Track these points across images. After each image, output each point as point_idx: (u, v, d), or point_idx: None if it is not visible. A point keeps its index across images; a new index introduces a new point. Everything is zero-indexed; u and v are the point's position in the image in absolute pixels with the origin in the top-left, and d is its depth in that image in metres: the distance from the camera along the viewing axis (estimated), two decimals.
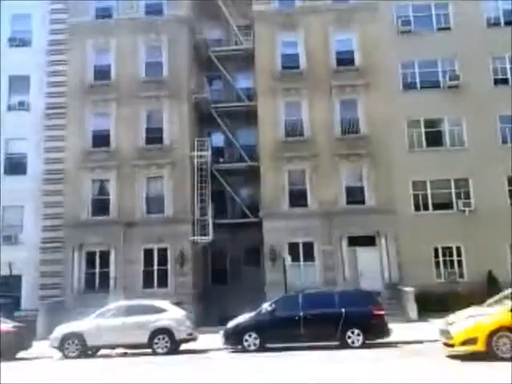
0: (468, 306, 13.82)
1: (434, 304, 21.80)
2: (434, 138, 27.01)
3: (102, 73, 28.66)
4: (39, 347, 17.78)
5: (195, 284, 26.48)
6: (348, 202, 26.44)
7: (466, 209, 25.74)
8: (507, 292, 13.15)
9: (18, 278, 26.44)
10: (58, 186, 27.50)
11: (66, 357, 16.48)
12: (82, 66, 28.61)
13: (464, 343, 11.63)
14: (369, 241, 26.03)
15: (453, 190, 26.28)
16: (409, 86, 27.60)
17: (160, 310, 16.99)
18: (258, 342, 15.91)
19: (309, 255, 26.07)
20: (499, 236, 24.45)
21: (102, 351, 17.34)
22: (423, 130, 27.08)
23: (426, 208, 26.29)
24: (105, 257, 26.42)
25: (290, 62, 28.34)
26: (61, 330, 17.05)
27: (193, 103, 28.93)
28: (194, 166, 27.68)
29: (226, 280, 28.80)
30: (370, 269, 25.38)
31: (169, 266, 26.34)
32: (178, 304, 18.13)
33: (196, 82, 29.97)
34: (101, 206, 27.16)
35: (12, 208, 27.52)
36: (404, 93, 27.42)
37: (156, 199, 27.23)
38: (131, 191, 27.11)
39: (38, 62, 29.06)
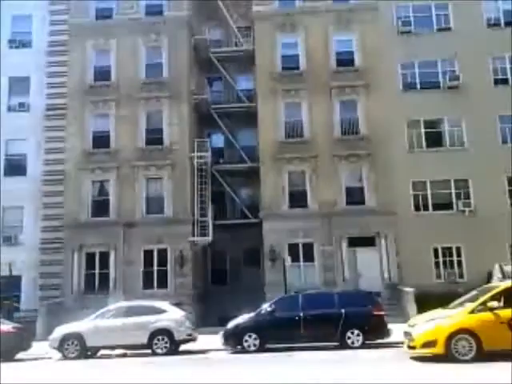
0: None
1: (433, 304, 21.72)
2: (434, 139, 27.00)
3: (102, 74, 28.67)
4: (39, 348, 17.76)
5: (195, 284, 26.47)
6: (348, 203, 26.43)
7: (466, 209, 25.73)
8: (470, 295, 13.09)
9: (18, 279, 26.44)
10: (57, 186, 27.50)
11: (65, 357, 16.46)
12: (82, 66, 28.63)
13: (424, 346, 11.73)
14: (368, 241, 26.01)
15: (453, 191, 26.27)
16: (409, 86, 27.59)
17: (160, 311, 16.99)
18: (257, 342, 15.90)
19: (308, 256, 26.05)
20: (499, 236, 24.42)
21: (102, 352, 17.32)
22: (423, 130, 27.08)
23: (425, 208, 26.28)
24: (104, 257, 26.42)
25: (289, 63, 28.35)
26: (60, 330, 17.03)
27: (193, 104, 28.94)
28: (194, 166, 27.68)
29: (225, 280, 28.80)
30: (369, 269, 25.38)
31: (168, 267, 26.33)
32: (178, 305, 18.15)
33: (196, 82, 29.98)
34: (101, 206, 27.16)
35: (12, 209, 27.51)
36: (404, 93, 27.42)
37: (156, 200, 27.24)
38: (131, 192, 27.11)
39: (38, 63, 29.05)
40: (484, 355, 11.21)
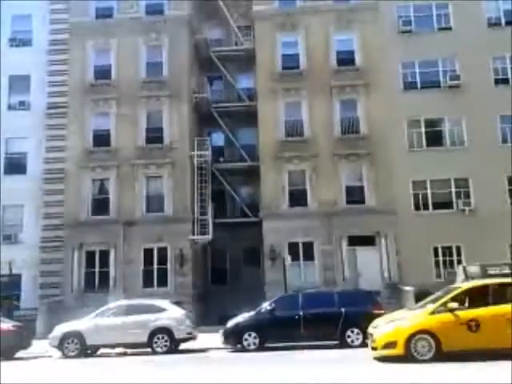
0: None
1: None
2: (434, 138, 27.01)
3: (102, 72, 28.68)
4: (39, 346, 17.78)
5: (195, 283, 26.49)
6: (348, 202, 26.45)
7: (466, 208, 25.75)
8: (435, 295, 13.09)
9: (18, 277, 26.46)
10: (58, 185, 27.50)
11: (65, 356, 16.48)
12: (82, 65, 28.64)
13: (385, 347, 11.85)
14: (368, 240, 26.03)
15: (453, 190, 26.29)
16: (409, 85, 27.59)
17: (160, 310, 17.00)
18: (257, 341, 15.92)
19: (308, 255, 26.07)
20: (499, 236, 24.40)
21: (102, 350, 17.35)
22: (423, 129, 27.08)
23: (425, 208, 26.29)
24: (104, 256, 26.44)
25: (290, 62, 28.35)
26: (60, 329, 17.05)
27: (193, 103, 28.95)
28: (194, 165, 27.70)
29: (225, 279, 28.82)
30: (369, 268, 25.40)
31: (168, 266, 26.35)
32: (178, 303, 18.12)
33: (196, 81, 29.99)
34: (101, 205, 27.18)
35: (12, 207, 27.53)
36: (404, 93, 27.42)
37: (156, 198, 27.25)
38: (131, 191, 27.13)
39: (39, 61, 29.02)
40: (443, 355, 11.35)
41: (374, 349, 12.30)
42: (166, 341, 16.40)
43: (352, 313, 15.77)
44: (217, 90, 31.43)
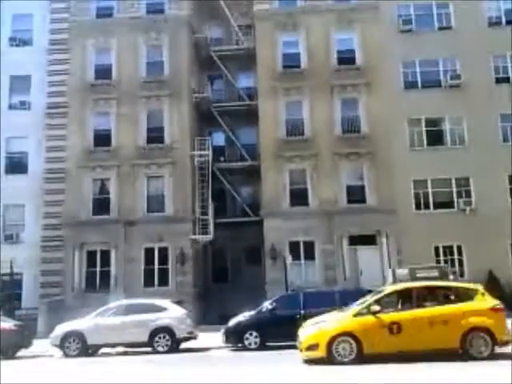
0: None
1: None
2: (435, 137, 26.98)
3: (102, 72, 28.66)
4: (40, 346, 17.81)
5: (196, 283, 26.49)
6: (349, 201, 26.43)
7: (467, 208, 25.72)
8: (364, 298, 13.06)
9: (19, 276, 26.47)
10: (58, 184, 27.50)
11: (66, 355, 16.50)
12: (82, 65, 28.62)
13: (308, 348, 11.97)
14: (369, 240, 26.02)
15: (454, 189, 26.26)
16: (410, 85, 27.55)
17: (160, 309, 17.01)
18: (258, 340, 15.95)
19: (309, 254, 26.06)
20: (500, 235, 24.44)
21: (103, 350, 17.35)
22: (424, 128, 27.06)
23: (426, 207, 26.27)
24: (105, 255, 26.45)
25: (291, 62, 28.33)
26: (61, 328, 17.07)
27: (193, 102, 28.93)
28: (195, 164, 27.70)
29: (226, 279, 28.83)
30: (370, 267, 25.37)
31: (169, 265, 26.35)
32: (179, 303, 18.12)
33: (197, 81, 29.98)
34: (101, 204, 27.18)
35: (13, 207, 27.57)
36: (405, 92, 27.38)
37: (156, 198, 27.25)
38: (132, 190, 27.12)
39: (39, 61, 29.03)
40: (365, 358, 11.44)
41: (300, 350, 12.36)
42: (166, 340, 16.41)
43: None
44: (217, 90, 31.42)
